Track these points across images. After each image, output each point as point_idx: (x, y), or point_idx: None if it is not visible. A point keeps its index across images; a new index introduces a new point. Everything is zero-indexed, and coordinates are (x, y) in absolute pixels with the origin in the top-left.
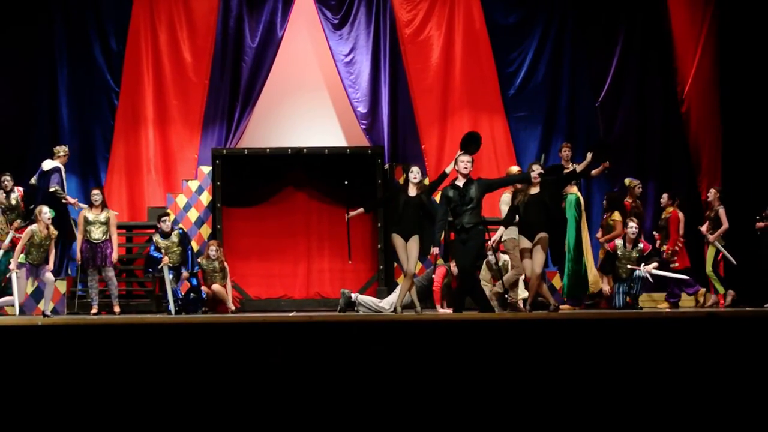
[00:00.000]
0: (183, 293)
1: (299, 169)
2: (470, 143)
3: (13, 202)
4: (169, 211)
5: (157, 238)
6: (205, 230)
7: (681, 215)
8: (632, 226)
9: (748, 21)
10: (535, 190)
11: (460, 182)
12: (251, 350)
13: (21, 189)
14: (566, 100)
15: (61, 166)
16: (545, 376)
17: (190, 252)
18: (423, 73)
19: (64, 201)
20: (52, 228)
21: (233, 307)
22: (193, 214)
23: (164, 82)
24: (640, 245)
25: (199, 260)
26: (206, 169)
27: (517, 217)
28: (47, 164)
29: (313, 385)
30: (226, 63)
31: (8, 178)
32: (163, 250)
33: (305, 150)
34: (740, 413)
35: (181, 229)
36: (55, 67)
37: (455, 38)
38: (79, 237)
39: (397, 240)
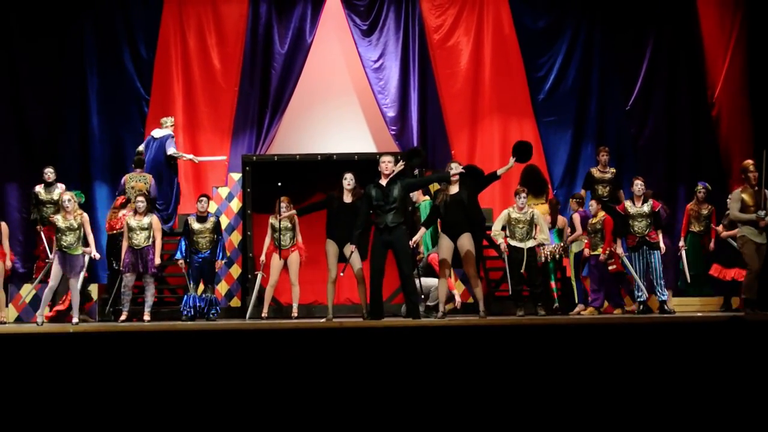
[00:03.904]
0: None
1: (329, 175)
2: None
3: (55, 196)
4: (208, 195)
5: (192, 220)
6: (236, 237)
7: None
8: (637, 183)
9: None
10: (454, 189)
11: (383, 182)
12: (282, 356)
13: (63, 186)
14: (596, 105)
15: (173, 133)
16: (571, 381)
17: (221, 242)
18: (452, 79)
19: (184, 159)
20: (79, 211)
21: (265, 314)
22: (223, 221)
23: (194, 90)
24: (650, 201)
25: (270, 221)
26: (236, 176)
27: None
28: (158, 132)
29: (344, 390)
30: (255, 69)
31: (51, 170)
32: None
33: (335, 156)
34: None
35: (217, 217)
36: (85, 75)
37: (484, 43)
38: (125, 243)
39: (330, 247)
